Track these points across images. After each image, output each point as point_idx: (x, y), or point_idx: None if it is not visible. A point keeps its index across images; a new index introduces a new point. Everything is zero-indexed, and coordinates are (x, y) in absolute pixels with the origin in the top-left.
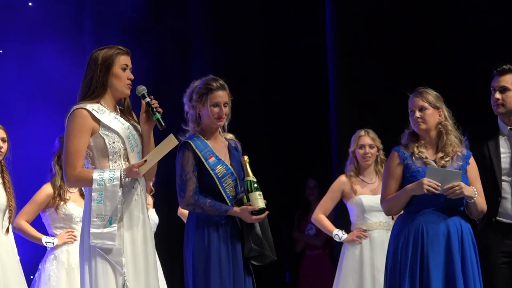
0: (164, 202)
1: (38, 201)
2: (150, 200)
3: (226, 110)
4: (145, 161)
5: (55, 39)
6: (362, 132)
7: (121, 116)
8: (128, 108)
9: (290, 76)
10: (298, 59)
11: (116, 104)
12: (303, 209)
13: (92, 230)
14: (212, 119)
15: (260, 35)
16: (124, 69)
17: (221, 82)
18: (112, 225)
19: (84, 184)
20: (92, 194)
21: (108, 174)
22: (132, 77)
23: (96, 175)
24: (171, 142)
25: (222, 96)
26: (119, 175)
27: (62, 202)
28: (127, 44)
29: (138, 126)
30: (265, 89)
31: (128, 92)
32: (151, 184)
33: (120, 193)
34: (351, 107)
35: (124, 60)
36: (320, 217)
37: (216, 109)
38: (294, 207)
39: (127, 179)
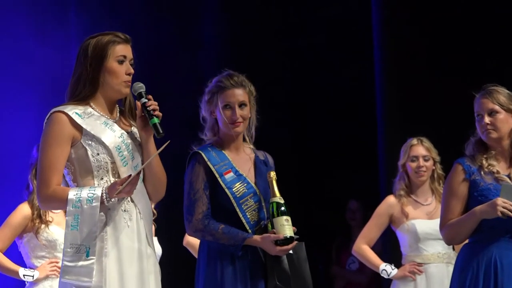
0: (170, 229)
1: (13, 225)
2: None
3: (243, 112)
4: (129, 176)
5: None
6: (415, 141)
7: (119, 120)
8: (130, 109)
9: (325, 78)
10: (336, 57)
11: (113, 105)
12: (343, 238)
13: (65, 263)
14: (225, 124)
15: (287, 33)
16: (121, 62)
17: (236, 78)
18: (89, 257)
19: (58, 206)
20: (66, 218)
21: (87, 193)
22: (132, 71)
23: (72, 194)
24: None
25: (237, 95)
26: (100, 194)
27: (43, 225)
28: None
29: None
30: (294, 94)
31: (127, 91)
32: (152, 206)
33: (102, 217)
34: (400, 111)
35: (121, 50)
36: (364, 248)
37: (228, 112)
38: (332, 236)
39: (113, 199)
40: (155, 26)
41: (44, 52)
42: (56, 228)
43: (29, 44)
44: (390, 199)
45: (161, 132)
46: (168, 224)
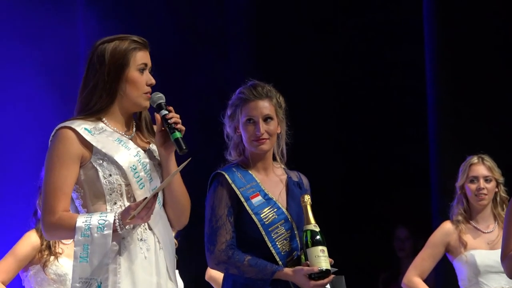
0: (192, 260)
1: (18, 255)
2: None
3: (269, 127)
4: (144, 199)
5: None
6: (475, 159)
7: (135, 136)
8: (146, 124)
9: (373, 90)
10: (383, 63)
11: (129, 120)
12: (390, 272)
13: None
14: (249, 141)
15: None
16: (142, 71)
17: (260, 89)
18: None
19: (66, 235)
20: (74, 249)
21: (97, 220)
22: (153, 81)
23: (81, 221)
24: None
25: (260, 107)
26: (112, 221)
27: (52, 257)
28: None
29: None
30: (336, 105)
31: (147, 104)
32: (173, 235)
33: (115, 247)
34: (457, 123)
35: (141, 57)
36: (415, 280)
37: (251, 127)
38: (377, 269)
39: (127, 226)
40: (169, 23)
41: (50, 46)
42: (67, 261)
43: (34, 39)
44: (447, 225)
45: (184, 148)
46: (189, 255)
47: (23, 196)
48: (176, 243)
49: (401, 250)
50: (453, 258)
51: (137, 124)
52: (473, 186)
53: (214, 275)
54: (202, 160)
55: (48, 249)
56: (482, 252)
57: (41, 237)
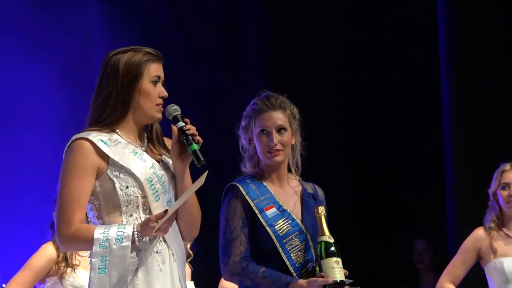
0: (207, 272)
1: (35, 267)
2: (187, 269)
3: (283, 138)
4: (165, 212)
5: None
6: (507, 166)
7: (147, 148)
8: (157, 136)
9: (382, 91)
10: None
11: (141, 132)
12: (409, 284)
13: None
14: (262, 152)
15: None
16: (155, 83)
17: (274, 99)
18: None
19: (82, 247)
20: (92, 260)
21: (116, 232)
22: (166, 94)
23: (98, 233)
24: (201, 182)
25: (274, 118)
26: (131, 233)
27: (69, 269)
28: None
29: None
30: (345, 113)
31: (159, 116)
32: (188, 246)
33: (133, 260)
34: (476, 126)
35: (155, 69)
36: (448, 287)
37: (264, 138)
38: (395, 282)
39: (144, 238)
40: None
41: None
42: (84, 273)
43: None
44: (479, 232)
45: (203, 160)
46: (203, 266)
47: (40, 203)
48: (191, 253)
49: (420, 262)
50: (484, 265)
51: (148, 136)
52: (504, 193)
53: (227, 286)
54: (216, 171)
55: (65, 261)
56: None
57: (57, 249)
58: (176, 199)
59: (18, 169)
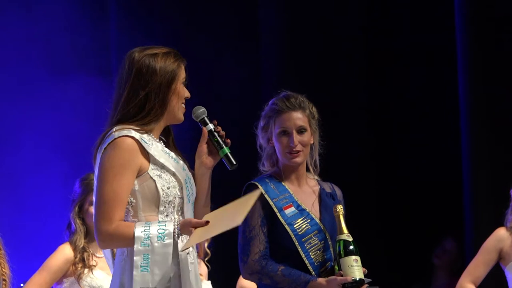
0: (223, 271)
1: (52, 268)
2: (204, 269)
3: (303, 138)
4: (207, 223)
5: None
6: None
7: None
8: (173, 139)
9: (403, 95)
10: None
11: (161, 133)
12: (421, 283)
13: None
14: (282, 153)
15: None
16: (184, 85)
17: (294, 100)
18: None
19: (122, 244)
20: (134, 258)
21: (157, 229)
22: (189, 95)
23: (139, 231)
24: (252, 199)
25: (294, 118)
26: (172, 231)
27: (86, 270)
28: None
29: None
30: (368, 113)
31: (182, 117)
32: (205, 245)
33: (176, 258)
34: (496, 124)
35: (183, 71)
36: (468, 287)
37: (284, 139)
38: (411, 279)
39: (181, 236)
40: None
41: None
42: (101, 273)
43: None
44: (500, 231)
45: (235, 163)
46: (220, 266)
47: (57, 205)
48: (209, 252)
49: (438, 258)
50: (504, 265)
51: (160, 138)
52: None
53: (246, 285)
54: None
55: (82, 262)
56: None
57: (74, 250)
58: (195, 203)
59: (39, 170)
